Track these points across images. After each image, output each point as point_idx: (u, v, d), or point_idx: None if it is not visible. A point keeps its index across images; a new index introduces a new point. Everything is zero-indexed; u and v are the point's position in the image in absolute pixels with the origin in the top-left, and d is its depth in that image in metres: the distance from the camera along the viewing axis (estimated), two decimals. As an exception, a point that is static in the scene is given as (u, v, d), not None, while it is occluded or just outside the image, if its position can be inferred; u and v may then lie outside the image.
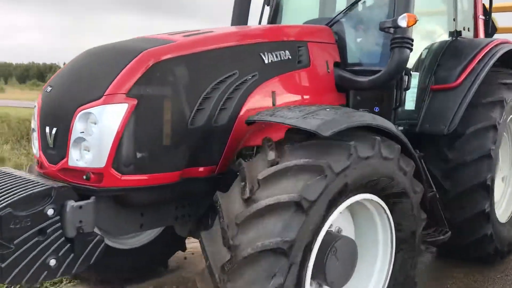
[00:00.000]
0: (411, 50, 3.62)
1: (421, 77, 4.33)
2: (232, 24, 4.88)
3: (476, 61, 4.31)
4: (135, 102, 2.52)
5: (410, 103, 4.14)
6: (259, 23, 4.96)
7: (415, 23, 3.47)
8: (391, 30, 3.63)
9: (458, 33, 4.69)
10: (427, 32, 4.62)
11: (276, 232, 2.11)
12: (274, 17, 4.85)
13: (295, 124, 2.54)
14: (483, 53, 4.35)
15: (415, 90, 4.15)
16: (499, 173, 5.05)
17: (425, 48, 4.46)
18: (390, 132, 2.91)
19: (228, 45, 3.03)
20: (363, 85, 3.84)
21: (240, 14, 4.84)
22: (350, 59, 4.13)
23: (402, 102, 3.98)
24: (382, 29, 3.64)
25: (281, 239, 2.09)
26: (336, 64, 3.98)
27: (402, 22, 3.46)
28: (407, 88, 3.95)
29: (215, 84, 2.91)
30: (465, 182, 4.18)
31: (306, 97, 3.63)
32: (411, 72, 3.93)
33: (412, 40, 3.62)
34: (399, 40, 3.58)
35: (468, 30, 4.98)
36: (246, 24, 4.91)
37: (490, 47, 4.42)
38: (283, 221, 2.13)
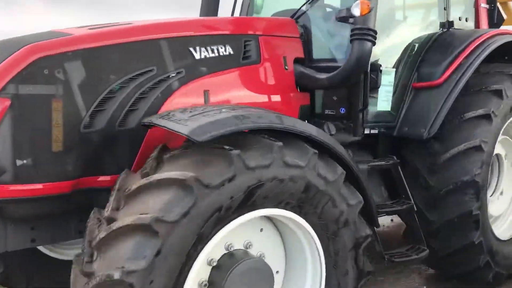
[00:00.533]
0: (373, 43, 3.17)
1: (402, 74, 3.84)
2: (201, 16, 4.56)
3: (465, 55, 3.76)
4: (8, 102, 2.24)
5: (384, 103, 3.66)
6: (232, 14, 4.60)
7: (370, 11, 3.04)
8: (352, 20, 3.19)
9: (450, 24, 4.14)
10: (414, 24, 4.10)
11: (124, 260, 1.76)
12: (246, 8, 4.49)
13: (167, 126, 2.21)
14: (474, 46, 3.79)
15: (391, 88, 3.67)
16: (503, 185, 4.46)
17: (410, 42, 3.95)
18: (310, 136, 2.48)
19: (141, 38, 2.70)
20: (322, 84, 3.42)
21: (209, 4, 4.51)
22: (316, 55, 3.71)
23: (368, 103, 3.51)
24: (338, 19, 3.21)
25: (127, 268, 1.74)
26: (298, 60, 3.57)
27: (356, 10, 3.05)
28: (377, 86, 3.49)
29: (122, 83, 2.59)
30: (449, 212, 3.67)
31: (252, 97, 3.24)
32: (381, 68, 3.46)
33: (375, 32, 3.16)
34: (358, 32, 3.14)
35: (467, 21, 4.41)
36: (216, 16, 4.57)
37: (483, 39, 3.86)
38: (134, 246, 1.78)
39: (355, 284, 2.69)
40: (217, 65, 3.05)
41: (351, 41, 3.17)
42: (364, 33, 3.12)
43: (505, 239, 4.25)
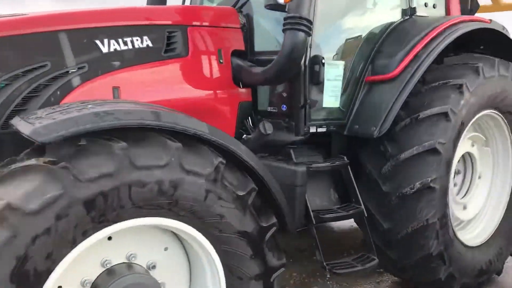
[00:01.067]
0: (307, 33, 2.86)
1: (355, 67, 3.52)
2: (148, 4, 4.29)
3: (422, 45, 3.42)
4: None
5: (331, 99, 3.35)
6: (182, 3, 4.31)
7: (293, -1, 2.72)
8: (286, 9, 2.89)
9: (412, 11, 3.79)
10: (375, 12, 3.75)
11: None
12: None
13: (17, 125, 1.99)
14: (433, 35, 3.45)
15: (339, 83, 3.36)
16: (477, 186, 4.12)
17: (368, 32, 3.62)
18: (195, 134, 2.19)
19: (32, 31, 2.44)
20: (257, 79, 3.13)
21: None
22: (259, 47, 3.43)
23: (310, 99, 3.22)
24: (267, 7, 2.91)
25: None
26: (237, 53, 3.29)
27: (280, -3, 2.73)
28: (320, 81, 3.18)
29: (6, 80, 2.35)
30: (404, 221, 3.36)
31: (176, 93, 2.97)
32: (323, 61, 3.15)
33: (310, 22, 2.85)
34: (290, 21, 2.84)
35: (434, 7, 4.05)
36: (165, 4, 4.30)
37: (444, 26, 3.51)
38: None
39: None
40: (131, 59, 2.79)
41: (283, 31, 2.87)
42: (296, 22, 2.82)
43: (476, 245, 3.92)
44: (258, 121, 3.40)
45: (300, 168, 3.08)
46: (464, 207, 4.07)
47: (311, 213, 3.12)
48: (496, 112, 3.89)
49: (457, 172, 4.10)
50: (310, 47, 3.14)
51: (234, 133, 3.31)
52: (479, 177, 4.16)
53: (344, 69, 3.42)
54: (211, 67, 3.15)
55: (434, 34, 3.45)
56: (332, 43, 3.45)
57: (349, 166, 3.40)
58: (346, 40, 3.51)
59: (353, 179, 3.39)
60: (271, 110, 3.36)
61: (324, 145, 3.62)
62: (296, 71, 3.01)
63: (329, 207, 3.34)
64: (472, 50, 4.13)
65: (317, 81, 3.18)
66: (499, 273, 4.19)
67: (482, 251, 3.94)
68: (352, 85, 3.51)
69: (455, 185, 4.08)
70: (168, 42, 2.96)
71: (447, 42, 3.43)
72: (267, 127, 3.11)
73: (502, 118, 3.97)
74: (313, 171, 3.22)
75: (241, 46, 3.33)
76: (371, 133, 3.33)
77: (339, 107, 3.45)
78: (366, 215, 3.34)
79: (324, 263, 3.06)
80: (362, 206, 3.33)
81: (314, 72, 3.16)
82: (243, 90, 3.32)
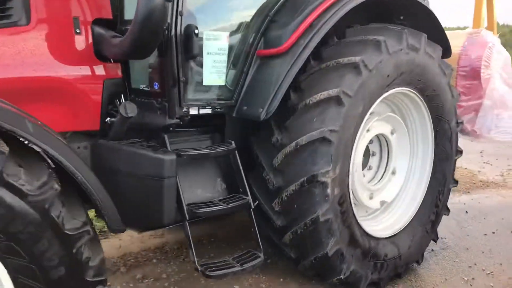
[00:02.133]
0: (166, -3, 2.40)
1: (243, 39, 3.09)
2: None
3: (317, 14, 3.01)
4: None
5: (213, 76, 2.92)
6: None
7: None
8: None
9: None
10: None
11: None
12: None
13: None
14: (330, 2, 3.04)
15: (223, 58, 2.93)
16: (392, 170, 3.80)
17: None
18: None
19: None
20: (115, 52, 2.67)
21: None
22: (130, 14, 2.94)
23: (183, 76, 2.78)
24: None
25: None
26: (101, 22, 2.80)
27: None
28: (193, 55, 2.74)
29: None
30: (296, 219, 3.04)
31: (11, 71, 2.48)
32: (196, 31, 2.70)
33: (169, -18, 2.40)
34: (142, -18, 2.37)
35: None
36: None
37: (342, -7, 3.09)
38: None
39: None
40: None
41: (138, -6, 2.41)
42: (149, -18, 2.35)
43: (388, 235, 3.61)
44: (132, 101, 2.96)
45: (168, 156, 2.67)
46: (377, 194, 3.75)
47: (185, 208, 2.74)
48: (411, 89, 3.56)
49: (372, 154, 3.78)
50: (181, 15, 2.69)
51: (99, 115, 2.85)
52: (393, 174, 3.85)
53: (232, 41, 3.00)
54: (62, 38, 2.67)
55: (332, 1, 3.03)
56: (213, 11, 3.01)
57: (236, 153, 3.01)
58: (233, 7, 3.08)
59: (240, 167, 3.01)
60: (144, 88, 2.92)
61: (221, 129, 3.23)
62: (156, 43, 2.55)
63: (212, 199, 2.95)
64: (393, 21, 3.79)
65: (191, 55, 2.74)
66: (419, 262, 3.96)
67: (396, 242, 3.65)
68: (242, 60, 3.10)
69: (370, 168, 3.77)
70: (1, 7, 2.46)
71: (346, 10, 3.03)
72: (128, 109, 2.68)
73: (419, 96, 3.65)
74: (190, 159, 2.82)
75: (107, 14, 2.85)
76: (258, 115, 2.94)
77: (225, 85, 3.03)
78: (253, 207, 2.97)
79: (197, 264, 2.69)
80: (249, 197, 2.96)
81: (187, 44, 2.72)
82: (109, 65, 2.85)
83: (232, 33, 3.03)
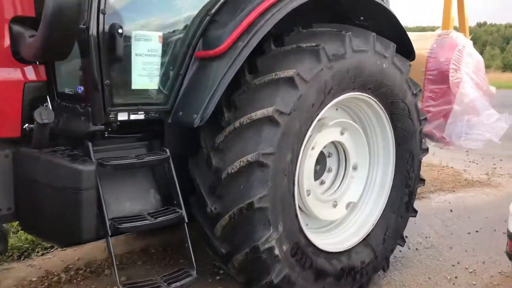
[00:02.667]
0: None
1: (181, 39, 2.90)
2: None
3: (257, 13, 2.81)
4: None
5: (143, 79, 2.73)
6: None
7: None
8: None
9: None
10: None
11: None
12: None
13: None
14: (270, 3, 2.84)
15: (155, 59, 2.73)
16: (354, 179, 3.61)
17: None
18: None
19: None
20: (28, 53, 2.47)
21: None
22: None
23: (111, 79, 2.59)
24: None
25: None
26: (22, 21, 2.61)
27: None
28: (116, 56, 2.55)
29: None
30: (236, 245, 2.84)
31: None
32: (120, 31, 2.51)
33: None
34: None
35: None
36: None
37: (288, -9, 2.90)
38: None
39: None
40: None
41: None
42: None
43: (344, 249, 3.41)
44: (58, 106, 2.76)
45: (86, 166, 2.47)
46: (334, 205, 3.55)
47: (107, 222, 2.54)
48: (366, 94, 3.37)
49: (328, 156, 3.59)
50: (103, 13, 2.50)
51: (19, 121, 2.65)
52: (354, 169, 3.65)
53: (167, 42, 2.81)
54: (-27, 38, 2.48)
55: (273, 0, 2.84)
56: (143, 10, 2.81)
57: (171, 162, 2.81)
58: (168, 6, 2.88)
59: (175, 177, 2.82)
60: (69, 92, 2.73)
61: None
62: (69, 43, 2.35)
63: (141, 212, 2.75)
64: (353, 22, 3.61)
65: (115, 57, 2.55)
66: (385, 268, 3.79)
67: (356, 253, 3.46)
68: (179, 62, 2.90)
69: (329, 170, 3.59)
70: None
71: (287, 10, 2.84)
72: (43, 115, 2.50)
73: (375, 101, 3.46)
74: (114, 169, 2.63)
75: (29, 11, 2.65)
76: (192, 122, 2.74)
77: (159, 89, 2.84)
78: (186, 221, 2.78)
79: (119, 284, 2.49)
80: (183, 211, 2.77)
81: (110, 45, 2.52)
82: (30, 67, 2.66)
83: (167, 33, 2.84)
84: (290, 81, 2.76)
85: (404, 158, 3.72)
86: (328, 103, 3.06)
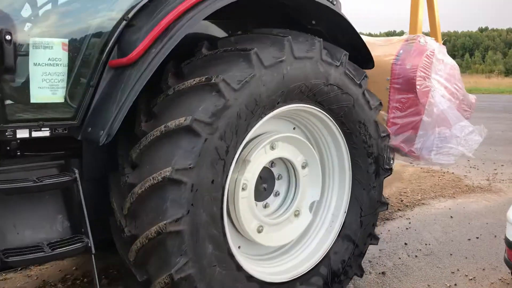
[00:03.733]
0: None
1: (92, 46, 2.60)
2: None
3: (172, 17, 2.52)
4: None
5: (44, 91, 2.44)
6: None
7: None
8: None
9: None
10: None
11: None
12: None
13: None
14: (189, 4, 2.54)
15: (61, 69, 2.44)
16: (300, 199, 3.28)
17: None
18: None
19: None
20: None
21: None
22: None
23: (5, 91, 2.31)
24: None
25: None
26: None
27: None
28: (6, 66, 2.25)
29: None
30: (151, 272, 2.51)
31: None
32: (8, 37, 2.23)
33: None
34: None
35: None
36: None
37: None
38: None
39: None
40: None
41: None
42: None
43: (288, 279, 3.09)
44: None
45: None
46: (281, 229, 3.22)
47: (-5, 255, 2.23)
48: (316, 107, 3.06)
49: (278, 178, 3.26)
50: (-11, 17, 2.21)
51: None
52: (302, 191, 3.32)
53: (75, 50, 2.52)
54: None
55: (191, 2, 2.54)
56: (42, 13, 2.51)
57: (79, 185, 2.51)
58: (75, 8, 2.59)
59: (83, 202, 2.50)
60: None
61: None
62: None
63: (41, 242, 2.44)
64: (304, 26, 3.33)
65: (5, 67, 2.25)
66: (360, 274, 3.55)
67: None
68: (91, 71, 2.59)
69: (277, 194, 3.25)
70: None
71: (208, 12, 2.54)
72: None
73: (327, 116, 3.15)
74: (5, 194, 2.32)
75: None
76: (97, 139, 2.43)
77: (65, 102, 2.54)
78: (93, 252, 2.46)
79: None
80: (89, 240, 2.45)
81: (-2, 53, 2.23)
82: None
83: (76, 40, 2.54)
84: (214, 88, 2.46)
85: (361, 183, 3.41)
86: (265, 115, 2.75)
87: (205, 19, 2.70)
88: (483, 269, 4.05)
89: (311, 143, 3.31)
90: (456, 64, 4.42)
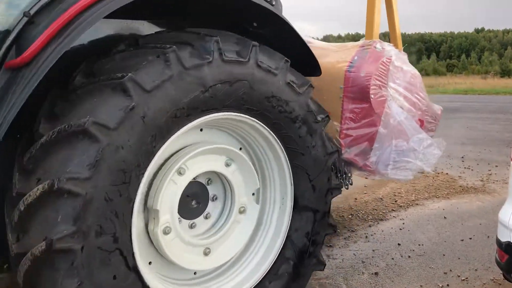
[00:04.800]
0: None
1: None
2: None
3: (71, 15, 2.28)
4: None
5: None
6: None
7: None
8: None
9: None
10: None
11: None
12: None
13: None
14: (86, 3, 2.31)
15: None
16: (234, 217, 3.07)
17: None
18: None
19: None
20: None
21: None
22: None
23: None
24: None
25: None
26: None
27: None
28: None
29: None
30: None
31: None
32: None
33: None
34: None
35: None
36: None
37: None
38: None
39: None
40: None
41: None
42: None
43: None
44: None
45: None
46: (207, 252, 2.99)
47: None
48: (252, 118, 2.85)
49: (213, 199, 3.05)
50: None
51: None
52: (242, 210, 3.11)
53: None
54: None
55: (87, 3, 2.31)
56: None
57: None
58: None
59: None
60: None
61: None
62: None
63: None
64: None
65: None
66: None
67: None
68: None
69: (207, 217, 3.02)
70: None
71: (112, 9, 2.31)
72: None
73: (265, 128, 2.94)
74: None
75: None
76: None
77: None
78: None
79: None
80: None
81: None
82: None
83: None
84: (120, 88, 2.24)
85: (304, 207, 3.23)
86: (186, 122, 2.54)
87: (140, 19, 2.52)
88: (476, 270, 4.13)
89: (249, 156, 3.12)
90: (418, 73, 4.22)
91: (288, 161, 3.10)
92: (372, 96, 3.69)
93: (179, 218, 2.76)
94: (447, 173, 7.75)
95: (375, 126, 3.81)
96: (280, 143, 3.04)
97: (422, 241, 4.78)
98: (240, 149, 3.08)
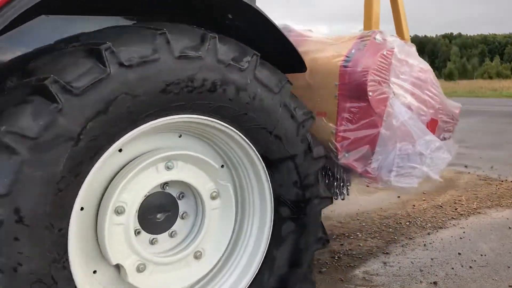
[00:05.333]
0: None
1: None
2: None
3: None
4: None
5: None
6: None
7: None
8: None
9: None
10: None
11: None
12: None
13: None
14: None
15: None
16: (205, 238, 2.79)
17: None
18: None
19: None
20: None
21: None
22: None
23: None
24: None
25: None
26: None
27: None
28: None
29: None
30: None
31: None
32: None
33: None
34: None
35: None
36: None
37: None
38: None
39: None
40: None
41: None
42: None
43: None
44: None
45: None
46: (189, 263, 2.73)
47: None
48: (220, 121, 2.56)
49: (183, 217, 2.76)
50: None
51: None
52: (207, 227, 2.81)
53: None
54: None
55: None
56: None
57: None
58: None
59: None
60: None
61: None
62: None
63: None
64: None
65: None
66: None
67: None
68: None
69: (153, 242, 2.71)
70: None
71: (23, 8, 2.05)
72: None
73: (238, 134, 2.65)
74: None
75: None
76: None
77: None
78: None
79: None
80: None
81: None
82: None
83: None
84: (43, 90, 1.98)
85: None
86: (132, 128, 2.25)
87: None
88: (543, 284, 3.97)
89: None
90: (428, 66, 3.79)
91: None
92: (371, 93, 3.30)
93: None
94: (511, 181, 7.46)
95: (376, 127, 3.42)
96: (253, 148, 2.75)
97: (484, 251, 4.64)
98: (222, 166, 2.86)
